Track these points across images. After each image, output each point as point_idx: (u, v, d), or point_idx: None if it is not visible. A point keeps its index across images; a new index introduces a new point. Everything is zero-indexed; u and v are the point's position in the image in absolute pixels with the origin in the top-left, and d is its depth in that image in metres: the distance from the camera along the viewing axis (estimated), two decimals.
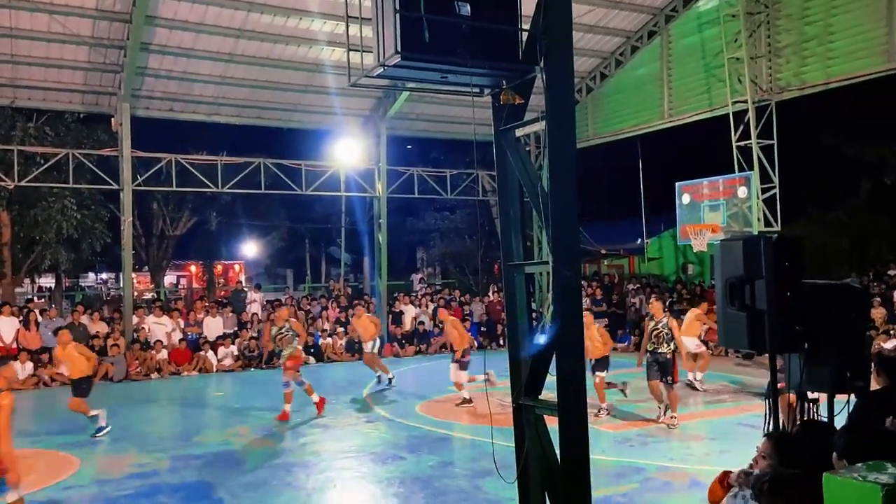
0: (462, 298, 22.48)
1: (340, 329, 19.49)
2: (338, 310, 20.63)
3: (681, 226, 18.13)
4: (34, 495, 7.66)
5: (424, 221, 32.88)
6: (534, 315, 6.07)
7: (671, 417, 10.10)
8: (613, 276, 24.13)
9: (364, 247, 28.78)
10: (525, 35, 4.80)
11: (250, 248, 45.32)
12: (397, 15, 4.42)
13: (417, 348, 19.91)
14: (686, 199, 17.93)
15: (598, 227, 27.25)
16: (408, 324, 20.68)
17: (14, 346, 15.80)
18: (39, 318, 16.80)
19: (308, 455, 9.30)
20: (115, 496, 7.54)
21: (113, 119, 18.04)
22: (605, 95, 21.35)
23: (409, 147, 28.47)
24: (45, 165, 17.89)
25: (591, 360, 10.62)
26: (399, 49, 4.44)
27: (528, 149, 21.40)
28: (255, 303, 20.68)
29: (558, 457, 4.62)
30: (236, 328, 18.71)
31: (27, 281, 29.33)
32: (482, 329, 20.73)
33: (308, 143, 23.93)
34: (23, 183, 17.59)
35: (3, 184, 17.69)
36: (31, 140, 19.47)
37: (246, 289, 24.48)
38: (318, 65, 18.19)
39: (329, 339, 19.25)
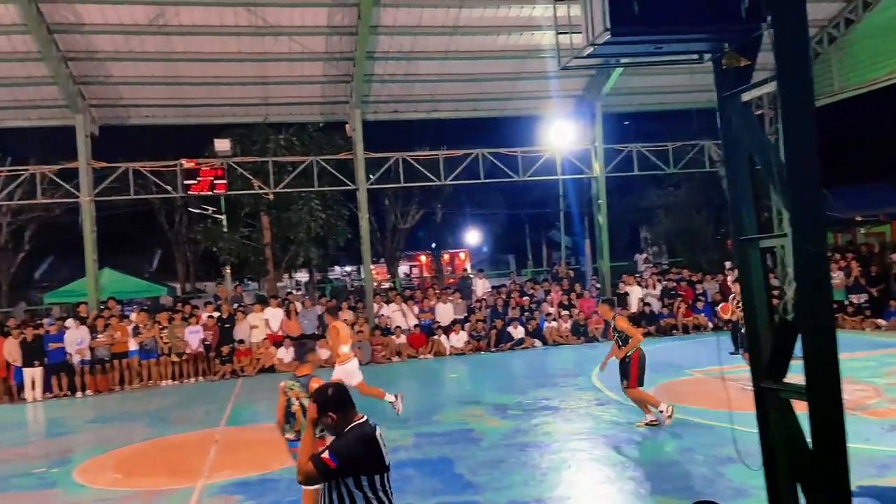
0: (692, 278, 21.33)
1: (565, 312, 19.53)
2: (561, 293, 20.66)
3: None
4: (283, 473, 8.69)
5: (646, 199, 31.64)
6: (774, 292, 5.59)
7: None
8: (873, 246, 21.34)
9: (583, 229, 28.47)
10: None
11: (473, 236, 47.03)
12: None
13: (645, 330, 19.26)
14: None
15: (851, 190, 24.15)
16: (634, 305, 20.12)
17: (280, 333, 17.99)
18: (299, 308, 18.92)
19: (540, 436, 9.47)
20: None
21: (347, 125, 19.79)
22: (852, 43, 18.89)
23: (625, 123, 27.58)
24: (295, 172, 20.07)
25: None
26: (608, 26, 4.33)
27: (759, 112, 19.68)
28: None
29: (809, 444, 4.24)
30: (466, 313, 19.55)
31: (286, 276, 33.17)
32: (716, 310, 19.49)
33: (522, 130, 24.24)
34: (278, 189, 19.95)
35: (263, 192, 20.19)
36: (282, 151, 22.02)
37: (472, 275, 25.44)
38: (529, 51, 18.31)
39: (553, 323, 19.38)
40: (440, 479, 7.76)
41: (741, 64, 4.61)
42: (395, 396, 10.24)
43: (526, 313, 19.58)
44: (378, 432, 3.81)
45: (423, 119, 21.54)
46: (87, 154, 17.98)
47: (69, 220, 25.41)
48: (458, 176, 20.58)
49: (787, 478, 4.53)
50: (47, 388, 15.95)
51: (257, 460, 9.01)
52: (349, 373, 9.98)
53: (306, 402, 5.70)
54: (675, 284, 20.79)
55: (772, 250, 5.57)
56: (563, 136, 20.54)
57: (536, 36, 17.85)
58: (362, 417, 3.87)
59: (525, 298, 20.28)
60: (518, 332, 18.72)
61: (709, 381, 11.71)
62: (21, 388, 15.87)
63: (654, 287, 20.69)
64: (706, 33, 4.48)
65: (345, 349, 10.12)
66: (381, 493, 3.68)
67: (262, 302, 19.06)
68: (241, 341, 17.58)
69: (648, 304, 19.81)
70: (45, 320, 17.83)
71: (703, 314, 19.62)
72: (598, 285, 21.49)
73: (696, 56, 4.85)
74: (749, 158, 4.76)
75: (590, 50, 4.70)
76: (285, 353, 17.39)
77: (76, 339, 16.11)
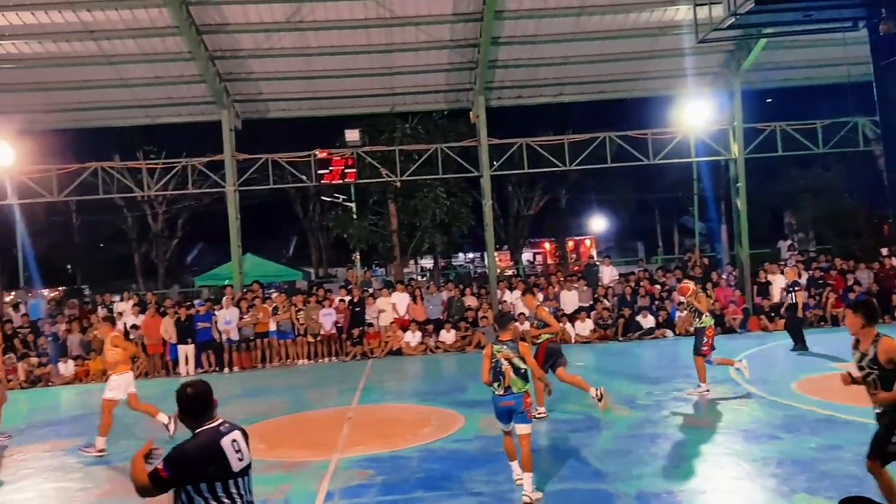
0: (844, 266, 19.72)
1: None
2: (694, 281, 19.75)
3: None
4: (429, 445, 8.90)
5: (791, 181, 29.58)
6: None
7: None
8: None
9: (719, 214, 27.07)
10: None
11: (599, 223, 45.96)
12: None
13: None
14: None
15: None
16: (776, 295, 18.89)
17: (406, 317, 18.45)
18: (424, 294, 19.31)
19: (671, 428, 9.15)
20: (493, 451, 8.33)
21: (471, 112, 19.88)
22: None
23: (768, 101, 25.85)
24: (420, 161, 20.43)
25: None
26: None
27: None
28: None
29: None
30: (591, 301, 19.17)
31: (412, 262, 33.99)
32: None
33: (652, 111, 23.32)
34: (404, 178, 20.41)
35: (391, 180, 20.75)
36: (408, 139, 22.50)
37: (598, 262, 24.89)
38: (662, 27, 17.59)
39: (684, 313, 18.55)
40: (565, 465, 7.68)
41: None
42: (169, 418, 9.74)
43: (656, 302, 18.92)
44: (230, 438, 3.77)
45: (547, 103, 21.24)
46: (231, 147, 19.20)
47: (216, 208, 27.29)
48: (584, 160, 20.12)
49: None
50: (198, 363, 17.28)
51: (387, 438, 9.31)
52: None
53: (517, 361, 6.82)
54: (822, 273, 19.33)
55: None
56: (698, 116, 19.51)
57: (670, 11, 17.10)
58: (214, 421, 3.84)
59: (655, 287, 19.59)
60: (647, 321, 18.12)
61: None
62: (176, 363, 17.30)
63: (800, 276, 19.31)
64: None
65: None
66: (224, 499, 3.68)
67: (390, 287, 19.65)
68: (371, 324, 18.20)
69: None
70: (196, 301, 19.28)
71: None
72: (735, 273, 20.37)
73: (850, 23, 4.45)
74: None
75: (731, 21, 4.44)
76: (412, 337, 17.83)
77: (225, 319, 17.33)
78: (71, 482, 8.45)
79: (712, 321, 11.32)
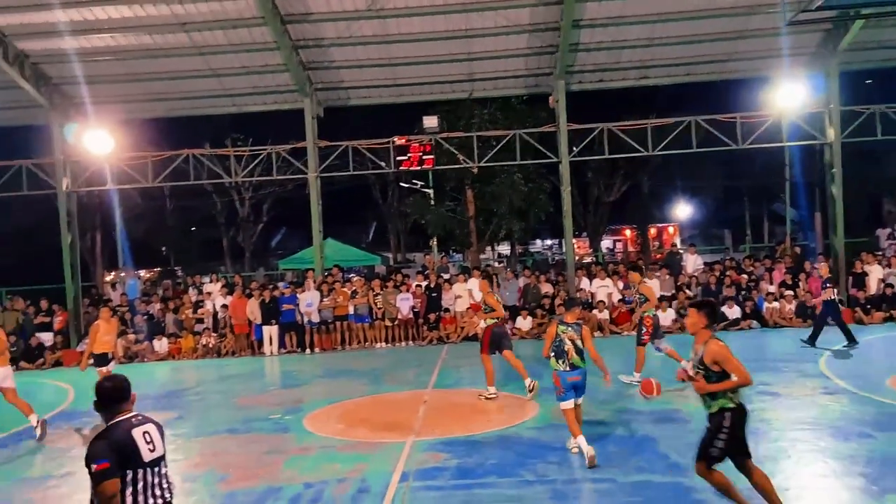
0: None
1: (788, 292, 17.90)
2: (784, 271, 18.94)
3: None
4: (503, 431, 8.93)
5: (891, 167, 27.83)
6: None
7: None
8: None
9: (812, 201, 25.78)
10: None
11: (683, 210, 44.61)
12: None
13: (887, 314, 17.14)
14: None
15: None
16: (873, 286, 17.92)
17: (482, 303, 18.45)
18: (499, 280, 19.28)
19: (757, 422, 8.76)
20: (568, 439, 8.30)
21: (550, 97, 19.62)
22: None
23: (868, 82, 24.38)
24: (498, 147, 20.34)
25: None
26: None
27: None
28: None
29: None
30: (673, 290, 18.67)
31: (488, 248, 33.97)
32: None
33: (742, 94, 22.39)
34: (482, 164, 20.39)
35: (468, 166, 20.76)
36: (486, 125, 22.43)
37: (681, 250, 24.19)
38: (753, 6, 16.82)
39: (775, 303, 17.85)
40: (643, 457, 7.55)
41: None
42: (38, 422, 9.79)
43: (743, 292, 18.24)
44: (141, 429, 3.96)
45: (630, 87, 20.70)
46: (313, 134, 19.67)
47: (299, 194, 28.07)
48: (668, 145, 19.54)
49: None
50: (282, 344, 17.89)
51: (462, 422, 9.40)
52: None
53: (578, 343, 7.64)
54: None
55: None
56: (792, 99, 18.55)
57: None
58: (127, 413, 4.02)
59: (743, 276, 18.87)
60: (733, 311, 17.50)
61: None
62: (260, 343, 17.97)
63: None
64: None
65: None
66: (131, 486, 3.86)
67: (466, 273, 19.72)
68: (447, 310, 18.35)
69: (891, 286, 17.51)
70: (280, 284, 19.93)
71: None
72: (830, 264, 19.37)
73: None
74: None
75: (820, 2, 4.18)
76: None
77: (307, 301, 17.85)
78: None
79: (655, 312, 11.63)
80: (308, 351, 17.75)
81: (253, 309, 17.94)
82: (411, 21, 17.53)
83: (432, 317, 18.20)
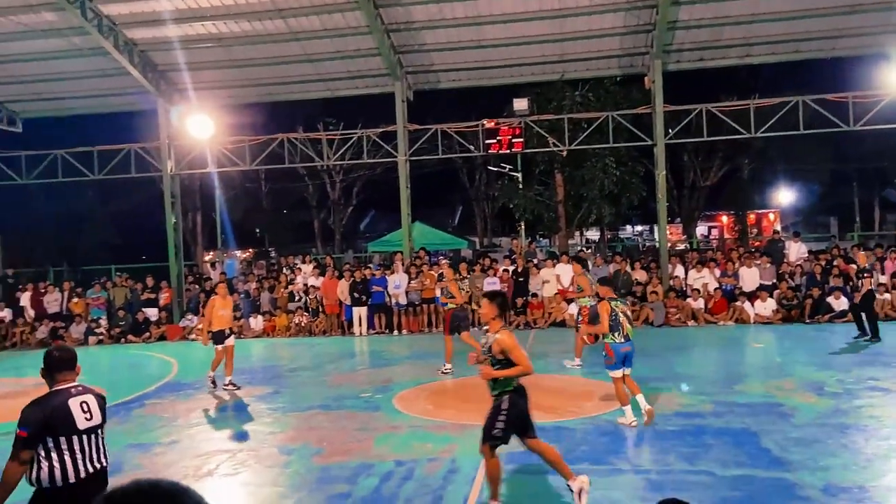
0: None
1: None
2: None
3: None
4: (594, 418, 8.76)
5: None
6: None
7: None
8: None
9: None
10: None
11: (786, 195, 42.43)
12: None
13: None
14: None
15: None
16: None
17: (570, 289, 18.19)
18: (590, 266, 18.89)
19: (865, 419, 8.30)
20: (663, 430, 8.06)
21: (646, 77, 18.98)
22: None
23: None
24: (589, 129, 19.89)
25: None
26: None
27: None
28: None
29: None
30: (774, 280, 17.80)
31: (577, 233, 33.43)
32: None
33: (855, 72, 20.90)
34: (572, 147, 19.98)
35: (558, 149, 20.40)
36: (577, 108, 21.95)
37: (784, 238, 23.00)
38: None
39: (887, 295, 16.72)
40: (743, 450, 7.22)
41: None
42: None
43: (850, 283, 17.14)
44: (79, 399, 4.09)
45: (732, 66, 19.74)
46: (403, 118, 19.82)
47: (388, 178, 28.42)
48: (772, 127, 18.54)
49: None
50: (371, 324, 18.23)
51: (551, 408, 9.27)
52: None
53: (629, 313, 8.56)
54: None
55: None
56: None
57: None
58: (68, 383, 4.16)
59: (851, 266, 17.74)
60: (840, 303, 16.49)
61: None
62: (350, 323, 18.37)
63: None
64: None
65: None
66: (66, 453, 3.98)
67: (554, 258, 19.44)
68: (535, 295, 18.17)
69: None
70: (371, 265, 20.30)
71: None
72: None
73: None
74: None
75: None
76: (576, 309, 17.55)
77: (395, 283, 18.10)
78: (261, 426, 9.29)
79: (589, 301, 12.07)
80: (396, 332, 18.01)
81: (343, 290, 18.33)
82: (503, 2, 17.31)
83: (519, 301, 18.08)
